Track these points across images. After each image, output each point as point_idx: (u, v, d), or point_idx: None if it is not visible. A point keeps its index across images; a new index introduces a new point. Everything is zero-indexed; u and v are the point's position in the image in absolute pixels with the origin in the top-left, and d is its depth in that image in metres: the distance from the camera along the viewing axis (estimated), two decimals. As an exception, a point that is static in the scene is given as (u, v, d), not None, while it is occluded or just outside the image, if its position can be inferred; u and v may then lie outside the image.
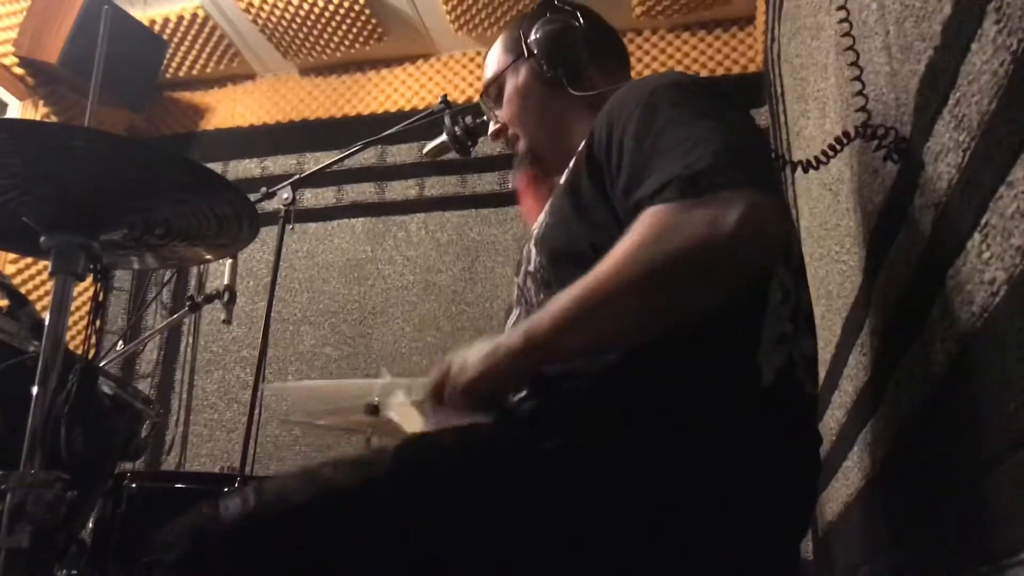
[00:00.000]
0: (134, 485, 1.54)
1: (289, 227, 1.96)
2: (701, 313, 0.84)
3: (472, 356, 0.91)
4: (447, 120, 1.49)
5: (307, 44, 3.25)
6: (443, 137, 1.52)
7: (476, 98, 1.43)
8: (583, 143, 1.06)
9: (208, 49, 3.33)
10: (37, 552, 1.01)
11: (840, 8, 1.13)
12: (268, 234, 2.63)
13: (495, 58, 1.30)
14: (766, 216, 0.83)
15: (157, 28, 3.19)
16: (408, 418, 1.24)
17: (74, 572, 1.50)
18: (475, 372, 0.90)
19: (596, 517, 0.82)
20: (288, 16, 3.11)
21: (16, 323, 1.49)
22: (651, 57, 3.03)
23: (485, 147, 1.64)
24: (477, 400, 0.92)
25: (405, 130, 1.96)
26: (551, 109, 1.24)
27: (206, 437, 3.03)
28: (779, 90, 2.37)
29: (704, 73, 2.96)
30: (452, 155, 1.58)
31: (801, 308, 0.97)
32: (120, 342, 2.66)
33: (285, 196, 1.96)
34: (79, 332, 2.68)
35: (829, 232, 1.55)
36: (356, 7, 3.05)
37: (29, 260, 2.96)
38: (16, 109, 3.13)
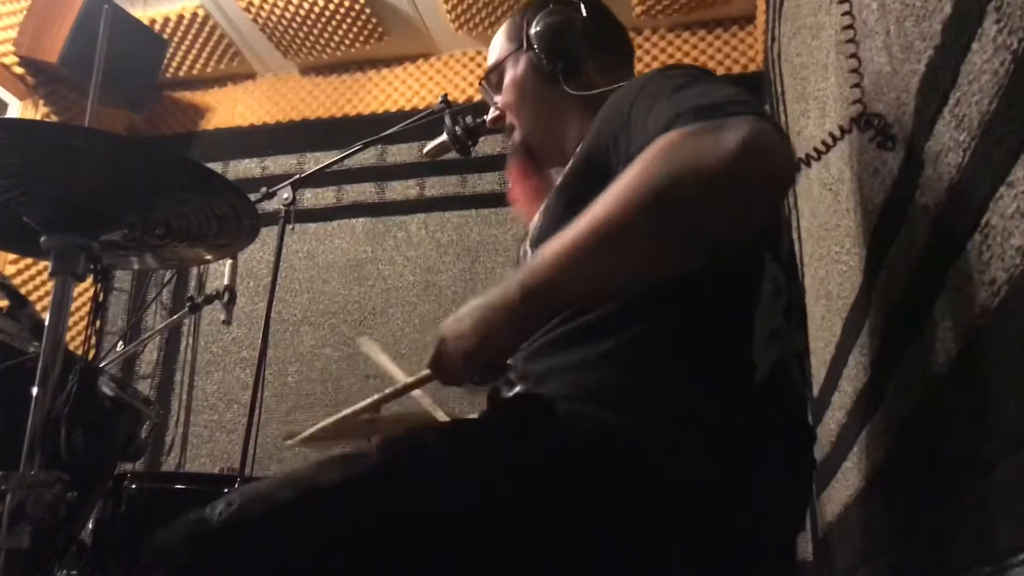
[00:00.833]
0: (134, 486, 1.54)
1: (289, 227, 1.96)
2: (715, 241, 0.78)
3: (466, 321, 0.85)
4: (447, 120, 1.49)
5: (307, 43, 3.25)
6: (443, 137, 1.52)
7: (477, 97, 1.43)
8: (580, 145, 1.06)
9: (208, 48, 3.33)
10: (37, 552, 1.01)
11: (842, 2, 1.12)
12: (268, 234, 2.63)
13: (498, 45, 1.30)
14: (772, 138, 0.78)
15: (157, 27, 3.20)
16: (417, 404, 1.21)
17: (74, 572, 1.50)
18: (473, 338, 0.84)
19: (583, 515, 0.82)
20: (288, 15, 3.11)
21: (16, 324, 1.49)
22: (651, 56, 3.03)
23: (485, 147, 1.64)
24: (481, 368, 0.87)
25: (405, 130, 1.96)
26: (546, 103, 1.24)
27: (206, 438, 3.03)
28: (779, 90, 2.37)
29: (704, 73, 2.96)
30: (452, 155, 1.58)
31: (794, 304, 0.97)
32: (120, 343, 2.65)
33: (285, 196, 1.96)
34: (79, 333, 2.68)
35: (829, 232, 1.55)
36: (356, 6, 3.05)
37: (29, 260, 2.96)
38: (16, 109, 3.13)
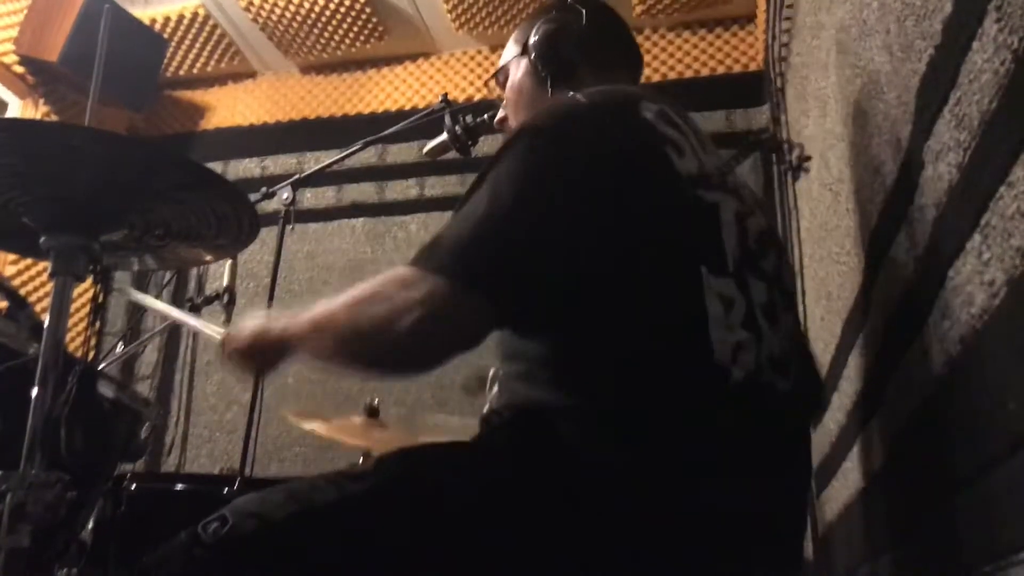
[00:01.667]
0: (134, 486, 1.54)
1: (289, 227, 1.96)
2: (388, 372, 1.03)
3: (247, 328, 1.05)
4: (448, 119, 1.49)
5: (308, 43, 3.25)
6: (443, 136, 1.52)
7: (477, 97, 1.44)
8: None
9: (209, 48, 3.33)
10: (37, 552, 1.01)
11: None
12: (268, 234, 2.62)
13: (508, 46, 1.33)
14: (450, 307, 0.86)
15: (157, 27, 3.19)
16: None
17: (74, 572, 1.50)
18: (244, 343, 1.05)
19: (569, 533, 0.81)
20: (289, 14, 3.11)
21: (16, 325, 1.49)
22: (652, 56, 3.02)
23: (485, 147, 1.63)
24: (244, 365, 1.09)
25: (405, 129, 1.96)
26: (539, 107, 1.24)
27: (206, 438, 3.03)
28: (780, 89, 2.37)
29: (705, 72, 2.96)
30: (452, 155, 1.58)
31: (758, 311, 0.91)
32: (120, 344, 2.65)
33: (285, 196, 1.96)
34: (79, 334, 2.68)
35: (829, 232, 1.55)
36: (357, 5, 3.05)
37: (29, 261, 2.96)
38: (16, 108, 3.13)
